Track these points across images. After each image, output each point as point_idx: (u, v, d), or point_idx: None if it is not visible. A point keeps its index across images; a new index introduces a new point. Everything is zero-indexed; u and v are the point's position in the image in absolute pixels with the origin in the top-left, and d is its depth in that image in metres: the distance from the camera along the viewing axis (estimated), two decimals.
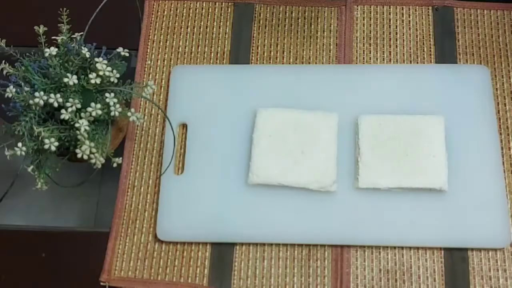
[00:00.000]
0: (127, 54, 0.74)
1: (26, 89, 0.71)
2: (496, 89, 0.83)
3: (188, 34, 0.90)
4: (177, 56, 0.88)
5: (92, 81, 0.71)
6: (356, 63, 0.86)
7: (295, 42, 0.88)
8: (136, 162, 0.82)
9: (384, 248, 0.76)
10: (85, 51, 0.72)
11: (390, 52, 0.87)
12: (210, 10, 0.91)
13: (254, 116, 0.80)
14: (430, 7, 0.89)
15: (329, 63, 0.86)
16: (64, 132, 0.71)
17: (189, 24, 0.90)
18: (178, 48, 0.89)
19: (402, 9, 0.89)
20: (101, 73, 0.71)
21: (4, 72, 0.72)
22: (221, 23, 0.90)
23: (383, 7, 0.89)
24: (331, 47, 0.87)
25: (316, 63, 0.86)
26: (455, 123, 0.79)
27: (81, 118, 0.70)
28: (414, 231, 0.75)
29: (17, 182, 0.79)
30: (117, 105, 0.71)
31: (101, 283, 0.76)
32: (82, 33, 0.75)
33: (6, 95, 0.70)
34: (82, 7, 0.77)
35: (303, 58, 0.87)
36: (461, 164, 0.77)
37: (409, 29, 0.88)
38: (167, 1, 0.92)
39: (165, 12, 0.92)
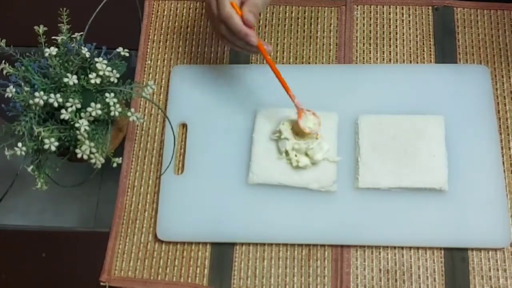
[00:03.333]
0: (127, 54, 0.74)
1: (26, 89, 0.71)
2: (496, 89, 0.83)
3: (188, 34, 0.90)
4: (177, 56, 0.88)
5: (92, 81, 0.71)
6: (356, 63, 0.86)
7: (295, 42, 0.88)
8: (136, 162, 0.82)
9: (384, 248, 0.76)
10: (85, 51, 0.72)
11: (390, 52, 0.87)
12: None
13: (254, 116, 0.80)
14: (430, 7, 0.89)
15: (329, 63, 0.86)
16: (64, 132, 0.71)
17: (189, 24, 0.91)
18: (178, 48, 0.89)
19: (402, 9, 0.89)
20: (101, 73, 0.71)
21: (4, 72, 0.72)
22: None
23: (383, 7, 0.89)
24: (331, 47, 0.87)
25: (316, 63, 0.86)
26: (455, 123, 0.79)
27: (81, 118, 0.70)
28: (414, 231, 0.75)
29: (17, 182, 0.79)
30: (117, 105, 0.71)
31: (101, 283, 0.76)
32: (82, 33, 0.75)
33: (6, 95, 0.70)
34: (82, 7, 0.77)
35: (303, 58, 0.87)
36: (461, 164, 0.77)
37: (409, 29, 0.88)
38: (167, 1, 0.92)
39: (165, 12, 0.92)
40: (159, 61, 0.88)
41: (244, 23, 0.71)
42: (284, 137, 0.77)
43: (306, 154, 0.76)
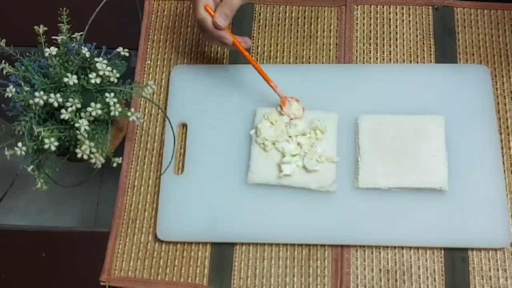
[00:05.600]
0: (127, 54, 0.74)
1: (26, 89, 0.71)
2: (496, 89, 0.83)
3: (188, 34, 0.90)
4: (177, 56, 0.88)
5: (92, 81, 0.71)
6: (356, 63, 0.86)
7: (295, 42, 0.88)
8: (136, 162, 0.82)
9: (384, 248, 0.76)
10: (85, 51, 0.72)
11: (390, 52, 0.87)
12: None
13: (254, 116, 0.80)
14: (430, 7, 0.89)
15: (329, 63, 0.86)
16: (64, 132, 0.71)
17: (189, 24, 0.91)
18: (178, 48, 0.89)
19: (402, 9, 0.89)
20: (101, 73, 0.71)
21: (4, 72, 0.72)
22: None
23: (383, 7, 0.89)
24: (331, 47, 0.87)
25: (316, 63, 0.86)
26: (455, 123, 0.79)
27: (81, 118, 0.70)
28: (414, 231, 0.75)
29: (17, 182, 0.79)
30: (117, 105, 0.71)
31: (101, 283, 0.76)
32: (82, 33, 0.75)
33: (6, 95, 0.70)
34: (82, 7, 0.77)
35: (303, 58, 0.87)
36: (461, 164, 0.77)
37: (409, 28, 0.88)
38: (167, 1, 0.92)
39: (165, 12, 0.92)
40: (159, 61, 0.88)
41: (214, 26, 0.75)
42: (262, 136, 0.77)
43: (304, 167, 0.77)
